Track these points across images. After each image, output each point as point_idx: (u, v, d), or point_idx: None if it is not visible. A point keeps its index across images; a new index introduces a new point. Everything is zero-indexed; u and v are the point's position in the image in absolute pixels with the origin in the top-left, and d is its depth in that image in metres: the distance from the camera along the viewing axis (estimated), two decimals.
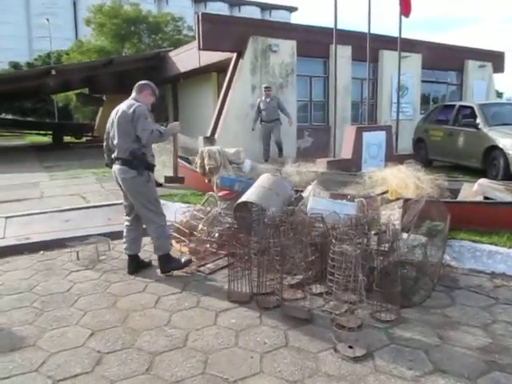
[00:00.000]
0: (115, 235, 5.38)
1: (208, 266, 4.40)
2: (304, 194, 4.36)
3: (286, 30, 11.78)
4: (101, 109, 24.02)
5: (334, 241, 3.17)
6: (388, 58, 13.14)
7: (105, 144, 4.26)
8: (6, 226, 5.75)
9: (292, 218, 3.61)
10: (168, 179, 4.61)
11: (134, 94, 4.12)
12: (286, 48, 11.61)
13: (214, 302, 3.61)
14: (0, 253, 4.89)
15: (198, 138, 10.28)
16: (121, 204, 6.58)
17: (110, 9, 26.32)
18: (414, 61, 13.98)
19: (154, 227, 4.08)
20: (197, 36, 10.98)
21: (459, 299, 3.53)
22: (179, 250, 4.61)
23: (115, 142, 4.01)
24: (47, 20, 37.55)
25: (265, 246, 3.49)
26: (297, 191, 4.62)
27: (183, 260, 4.21)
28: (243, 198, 4.23)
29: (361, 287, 2.85)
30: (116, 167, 4.05)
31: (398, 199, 4.32)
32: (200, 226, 4.92)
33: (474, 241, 4.38)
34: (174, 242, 5.05)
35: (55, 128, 22.41)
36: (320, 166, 7.71)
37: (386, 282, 3.26)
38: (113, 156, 4.11)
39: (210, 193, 5.13)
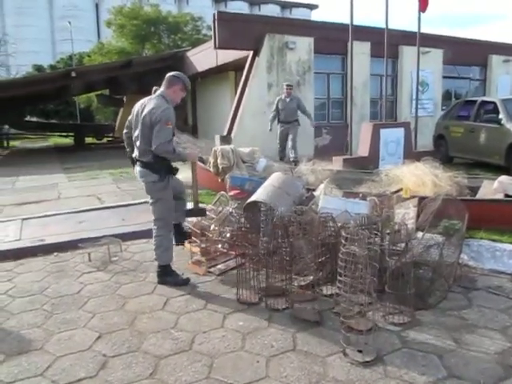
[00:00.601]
0: (128, 236, 5.40)
1: (218, 266, 4.34)
2: (316, 193, 4.25)
3: (302, 27, 11.66)
4: (121, 110, 24.28)
5: (343, 241, 3.07)
6: (408, 53, 12.86)
7: (127, 136, 4.17)
8: (22, 228, 5.81)
9: (301, 218, 3.50)
10: (188, 213, 4.30)
11: (162, 87, 3.84)
12: (303, 45, 11.48)
13: (222, 303, 3.54)
14: (15, 255, 4.93)
15: (214, 137, 10.27)
16: (135, 204, 6.71)
17: (130, 10, 26.57)
18: (435, 56, 13.66)
19: (156, 235, 3.99)
20: (213, 35, 10.97)
21: (477, 301, 3.38)
22: (190, 250, 4.58)
23: (137, 143, 3.85)
24: (69, 23, 38.11)
25: (274, 246, 3.41)
26: (308, 190, 4.52)
27: (181, 278, 4.00)
28: (253, 198, 4.16)
29: (370, 289, 2.73)
30: (138, 169, 3.94)
31: (413, 197, 4.18)
32: (212, 226, 4.87)
33: (493, 240, 4.21)
34: (186, 242, 5.05)
35: (77, 129, 22.73)
36: (336, 164, 7.58)
37: (399, 284, 3.14)
38: (134, 155, 4.00)
39: (222, 192, 5.07)
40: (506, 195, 4.68)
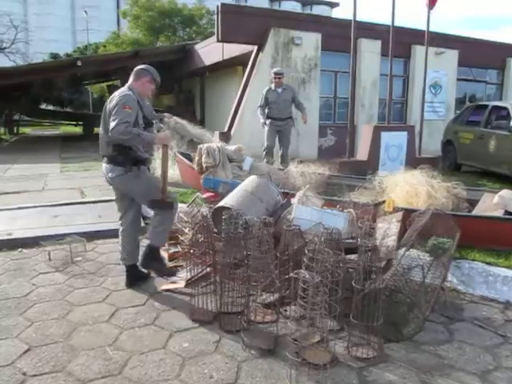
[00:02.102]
0: (102, 234, 5.10)
1: (184, 275, 3.98)
2: (293, 201, 3.85)
3: (310, 22, 11.16)
4: None
5: (304, 260, 2.68)
6: (421, 53, 12.19)
7: None
8: None
9: (267, 230, 3.11)
10: (151, 203, 3.66)
11: (130, 80, 3.62)
12: (310, 41, 11.02)
13: (173, 319, 3.18)
14: None
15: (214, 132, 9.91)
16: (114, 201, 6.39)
17: (146, 1, 26.29)
18: (450, 57, 13.06)
19: (156, 214, 3.70)
20: (216, 27, 10.59)
21: (459, 335, 2.95)
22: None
23: (101, 132, 3.57)
24: (85, 12, 38.13)
25: (233, 259, 3.03)
26: (287, 195, 4.11)
27: (167, 268, 3.82)
28: (221, 203, 3.78)
29: (322, 322, 2.34)
30: (104, 165, 3.61)
31: (397, 211, 3.75)
32: (186, 231, 4.53)
33: (487, 263, 3.76)
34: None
35: (86, 119, 22.64)
36: (333, 167, 7.15)
37: (368, 311, 2.73)
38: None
39: (198, 193, 4.70)
40: (507, 212, 4.21)
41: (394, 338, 2.83)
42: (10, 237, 4.94)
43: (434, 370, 2.55)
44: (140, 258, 3.78)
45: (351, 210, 3.61)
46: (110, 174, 3.58)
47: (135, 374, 2.53)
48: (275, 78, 7.61)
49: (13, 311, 3.32)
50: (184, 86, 21.33)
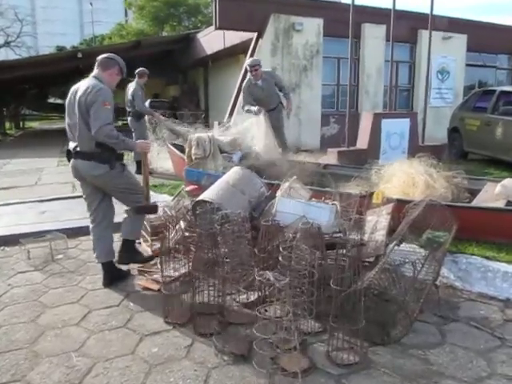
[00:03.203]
0: (86, 230, 4.88)
1: (166, 273, 3.78)
2: (278, 193, 3.63)
3: (311, 8, 10.78)
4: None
5: (280, 258, 2.46)
6: (428, 38, 11.88)
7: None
8: None
9: (243, 226, 2.90)
10: (138, 210, 3.55)
11: (96, 70, 3.40)
12: (312, 27, 10.69)
13: (147, 321, 3.00)
14: None
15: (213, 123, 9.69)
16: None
17: None
18: (458, 42, 12.63)
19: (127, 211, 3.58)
20: (213, 14, 10.31)
21: (452, 337, 2.71)
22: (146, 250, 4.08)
23: (76, 133, 3.31)
24: (91, 4, 37.99)
25: (204, 256, 2.83)
26: (272, 186, 3.87)
27: (145, 255, 3.80)
28: (200, 196, 3.57)
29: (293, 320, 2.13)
30: (79, 162, 3.35)
31: (387, 202, 3.50)
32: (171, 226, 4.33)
33: (487, 257, 3.50)
34: (141, 240, 4.54)
35: None
36: (330, 156, 6.90)
37: (351, 313, 2.51)
38: (70, 147, 3.42)
39: (183, 186, 4.49)
40: (509, 202, 3.93)
41: (380, 341, 2.61)
42: None
43: (421, 378, 2.32)
44: (116, 254, 3.63)
45: (335, 202, 3.38)
46: (91, 173, 3.36)
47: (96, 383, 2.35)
48: (251, 72, 6.73)
49: None
50: (188, 76, 21.12)
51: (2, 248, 4.56)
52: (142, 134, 7.97)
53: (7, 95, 19.69)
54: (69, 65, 15.43)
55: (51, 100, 31.82)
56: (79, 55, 14.40)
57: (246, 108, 6.83)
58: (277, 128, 6.71)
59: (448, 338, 2.70)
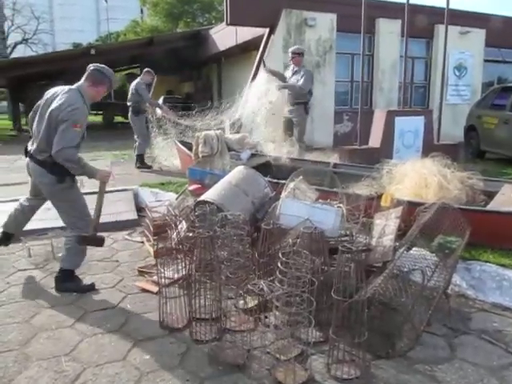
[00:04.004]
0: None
1: (168, 274, 3.67)
2: (283, 194, 3.48)
3: (324, 2, 10.52)
4: (151, 90, 23.98)
5: (279, 265, 2.32)
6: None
7: (31, 118, 3.45)
8: None
9: (248, 227, 2.77)
10: (80, 240, 3.32)
11: (84, 82, 3.26)
12: (325, 22, 10.46)
13: (142, 325, 2.90)
14: None
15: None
16: (112, 192, 6.15)
17: None
18: (476, 37, 12.26)
19: (70, 237, 3.39)
20: (224, 10, 10.16)
21: (462, 351, 2.54)
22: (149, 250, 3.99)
23: (38, 137, 3.21)
24: (105, 1, 38.17)
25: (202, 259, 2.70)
26: (277, 185, 3.73)
27: (85, 283, 3.46)
28: (202, 197, 3.45)
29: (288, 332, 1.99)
30: (31, 164, 3.28)
31: (396, 205, 3.33)
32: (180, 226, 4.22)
33: (502, 265, 3.31)
34: (145, 240, 4.45)
35: (105, 108, 22.61)
36: (342, 155, 6.72)
37: (354, 324, 2.37)
38: (29, 147, 3.33)
39: (187, 185, 4.38)
40: None
41: (384, 354, 2.45)
42: None
43: None
44: (55, 283, 3.44)
45: (341, 204, 3.22)
46: (39, 179, 3.27)
47: None
48: (292, 58, 7.25)
49: None
50: (202, 72, 21.04)
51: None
52: (141, 129, 8.14)
53: (23, 91, 19.83)
54: (82, 61, 15.42)
55: None
56: (92, 52, 14.43)
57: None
58: (295, 125, 7.07)
59: (458, 353, 2.53)
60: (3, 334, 2.81)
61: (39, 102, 3.36)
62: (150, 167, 8.17)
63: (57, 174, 3.17)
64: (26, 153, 3.36)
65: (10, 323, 2.95)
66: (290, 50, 7.43)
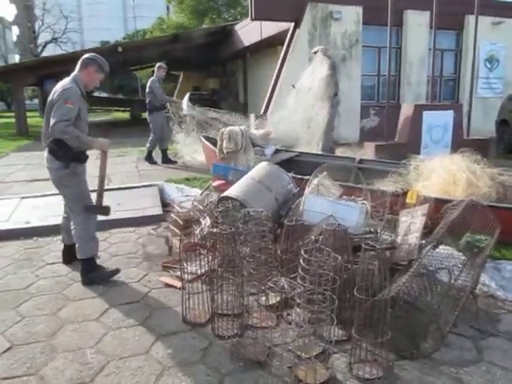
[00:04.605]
0: (117, 223, 4.96)
1: (191, 269, 3.70)
2: (307, 190, 3.45)
3: None
4: (177, 87, 24.21)
5: (301, 262, 2.30)
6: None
7: None
8: (16, 208, 5.53)
9: (270, 224, 2.76)
10: (86, 209, 3.52)
11: (75, 70, 3.50)
12: (350, 15, 10.31)
13: (165, 319, 2.93)
14: None
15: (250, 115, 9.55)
16: (137, 187, 6.25)
17: None
18: (509, 28, 11.83)
19: (75, 224, 3.55)
20: (249, 5, 10.12)
21: (490, 354, 2.47)
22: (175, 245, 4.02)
23: (44, 122, 3.47)
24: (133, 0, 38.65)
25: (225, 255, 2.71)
26: (301, 181, 3.68)
27: (109, 270, 3.59)
28: (225, 193, 3.45)
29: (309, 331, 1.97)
30: (45, 154, 3.48)
31: (423, 202, 3.25)
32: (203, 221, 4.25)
33: None
34: (169, 235, 4.48)
35: (132, 104, 22.97)
36: (368, 150, 6.61)
37: (377, 323, 2.33)
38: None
39: (211, 181, 4.39)
40: None
41: (408, 355, 2.40)
42: (27, 225, 4.89)
43: None
44: (81, 278, 3.55)
45: (365, 201, 3.17)
46: (47, 165, 3.48)
47: (107, 383, 2.29)
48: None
49: (8, 305, 3.20)
50: (227, 68, 21.07)
51: (34, 239, 4.63)
52: (154, 125, 8.26)
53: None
54: (110, 59, 15.67)
55: (96, 94, 32.76)
56: (119, 49, 14.64)
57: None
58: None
59: (485, 355, 2.45)
60: (31, 326, 2.89)
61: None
62: (155, 163, 8.42)
63: (62, 159, 3.35)
64: None
65: (38, 315, 3.03)
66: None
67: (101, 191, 3.49)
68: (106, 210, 3.57)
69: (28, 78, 16.99)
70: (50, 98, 3.41)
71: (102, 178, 3.48)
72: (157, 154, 8.59)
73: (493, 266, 3.20)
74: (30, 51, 35.34)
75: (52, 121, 3.23)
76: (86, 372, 2.39)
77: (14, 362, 2.50)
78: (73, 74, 3.46)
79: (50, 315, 3.03)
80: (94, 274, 3.51)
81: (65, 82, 3.40)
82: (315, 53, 7.61)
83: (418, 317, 2.57)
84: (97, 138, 3.46)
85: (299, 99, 7.31)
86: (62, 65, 15.31)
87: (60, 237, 4.36)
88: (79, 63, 3.48)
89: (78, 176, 3.51)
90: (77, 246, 3.56)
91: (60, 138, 3.28)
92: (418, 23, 10.85)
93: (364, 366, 2.28)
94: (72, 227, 3.57)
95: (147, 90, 8.26)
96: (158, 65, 8.57)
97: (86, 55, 3.52)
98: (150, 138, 8.40)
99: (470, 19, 11.16)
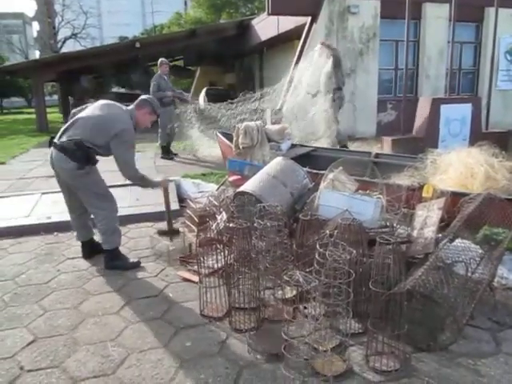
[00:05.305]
0: (136, 218, 5.05)
1: (208, 263, 3.74)
2: (322, 184, 3.46)
3: None
4: (194, 82, 24.29)
5: (316, 256, 2.32)
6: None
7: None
8: (37, 203, 5.65)
9: (281, 220, 2.78)
10: (161, 232, 4.39)
11: (132, 106, 3.72)
12: (368, 9, 10.22)
13: (183, 313, 2.98)
14: (18, 232, 4.74)
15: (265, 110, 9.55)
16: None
17: None
18: None
19: (99, 220, 3.66)
20: (266, 0, 10.10)
21: (508, 346, 2.46)
22: (191, 240, 4.07)
23: (71, 128, 3.52)
24: None
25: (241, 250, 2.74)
26: (317, 175, 3.69)
27: (131, 261, 3.78)
28: (241, 188, 3.48)
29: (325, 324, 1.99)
30: (54, 152, 3.52)
31: (440, 196, 3.23)
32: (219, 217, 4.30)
33: None
34: (186, 230, 4.54)
35: None
36: (385, 145, 6.57)
37: (393, 316, 2.34)
38: (56, 137, 3.58)
39: (227, 176, 4.43)
40: None
41: (425, 347, 2.41)
42: (48, 220, 5.00)
43: None
44: (104, 263, 3.77)
45: (381, 195, 3.16)
46: (60, 164, 3.50)
47: (128, 375, 2.35)
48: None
49: (30, 299, 3.28)
50: (244, 63, 21.06)
51: (55, 234, 4.73)
52: (164, 122, 8.38)
53: (72, 85, 20.62)
54: (128, 54, 15.88)
55: (115, 89, 33.21)
56: (137, 45, 14.77)
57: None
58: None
59: (503, 347, 2.45)
60: (54, 319, 2.97)
61: (75, 110, 3.76)
62: (171, 158, 8.62)
63: (78, 161, 3.41)
64: (50, 144, 3.61)
65: (60, 309, 3.11)
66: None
67: (170, 219, 4.30)
68: (176, 232, 4.37)
69: (48, 74, 17.24)
70: (103, 115, 3.51)
71: (168, 210, 4.27)
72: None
73: (511, 259, 3.17)
74: (50, 47, 35.81)
75: (124, 161, 3.52)
76: (108, 364, 2.45)
77: (38, 355, 2.57)
78: (129, 109, 3.65)
79: (72, 309, 3.10)
80: (117, 263, 3.68)
81: (123, 115, 3.56)
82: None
83: (434, 309, 2.57)
84: (158, 180, 3.96)
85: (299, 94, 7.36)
86: (81, 61, 15.59)
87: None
88: (136, 102, 3.70)
89: (94, 173, 3.63)
90: (102, 238, 3.70)
91: (128, 179, 3.69)
92: (436, 16, 10.70)
93: (381, 358, 2.30)
94: (96, 220, 3.69)
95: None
96: (159, 61, 8.75)
97: (144, 97, 3.80)
98: (159, 133, 8.55)
99: (490, 11, 10.93)
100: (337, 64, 7.21)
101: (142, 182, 3.74)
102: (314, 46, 9.82)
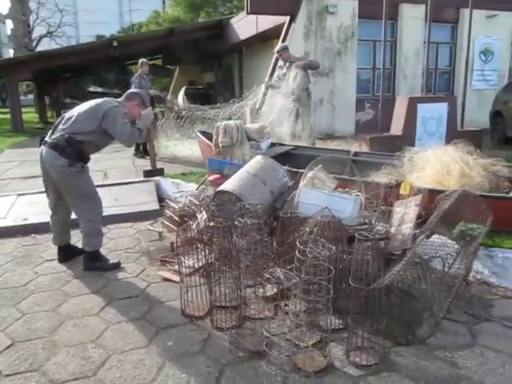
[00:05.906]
0: (115, 218, 4.98)
1: (189, 263, 3.74)
2: (302, 183, 3.49)
3: None
4: (173, 81, 24.13)
5: (296, 253, 2.35)
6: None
7: None
8: (13, 205, 5.54)
9: (265, 217, 2.80)
10: (146, 173, 4.48)
11: (121, 98, 3.81)
12: (346, 9, 10.31)
13: (165, 313, 2.97)
14: None
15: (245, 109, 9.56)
16: (134, 183, 6.26)
17: None
18: (504, 21, 11.87)
19: (83, 222, 3.61)
20: None
21: (483, 338, 2.53)
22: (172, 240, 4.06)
23: (68, 123, 3.51)
24: None
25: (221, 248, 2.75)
26: (296, 174, 3.73)
27: (111, 262, 3.75)
28: (221, 187, 3.48)
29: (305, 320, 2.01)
30: (44, 150, 3.49)
31: (417, 193, 3.29)
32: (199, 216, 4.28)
33: None
34: (165, 230, 4.51)
35: None
36: (364, 143, 6.65)
37: (372, 311, 2.38)
38: (47, 136, 3.57)
39: (207, 175, 4.42)
40: None
41: (404, 341, 2.46)
42: (24, 222, 4.91)
43: (447, 383, 2.17)
44: (83, 263, 3.73)
45: (359, 193, 3.21)
46: (50, 161, 3.46)
47: (109, 377, 2.33)
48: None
49: (8, 302, 3.22)
50: (223, 62, 21.01)
51: (32, 236, 4.65)
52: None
53: (48, 84, 20.26)
54: (106, 53, 15.68)
55: (92, 88, 32.78)
56: (115, 43, 14.61)
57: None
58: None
59: (479, 339, 2.52)
60: (32, 322, 2.92)
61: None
62: (142, 156, 8.64)
63: (69, 157, 3.38)
64: (40, 143, 3.58)
65: (38, 311, 3.06)
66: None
67: (153, 157, 4.49)
68: (161, 172, 4.50)
69: (23, 73, 16.90)
70: (93, 106, 3.55)
71: (151, 144, 4.53)
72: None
73: (486, 254, 3.27)
74: (25, 45, 35.07)
75: (122, 136, 3.52)
76: (88, 366, 2.43)
77: (16, 359, 2.52)
78: (119, 100, 3.73)
79: (50, 311, 3.06)
80: (97, 264, 3.64)
81: (109, 100, 3.65)
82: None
83: (412, 304, 2.62)
84: (143, 119, 3.83)
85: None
86: (57, 59, 15.33)
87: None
88: (125, 95, 3.80)
89: (84, 174, 3.57)
90: (84, 240, 3.65)
91: (132, 143, 3.93)
92: (413, 16, 10.87)
93: (361, 353, 2.33)
94: (80, 222, 3.62)
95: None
96: (140, 61, 8.96)
97: (133, 90, 4.06)
98: None
99: (465, 12, 11.16)
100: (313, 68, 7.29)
101: (142, 136, 3.77)
102: (293, 46, 9.91)
